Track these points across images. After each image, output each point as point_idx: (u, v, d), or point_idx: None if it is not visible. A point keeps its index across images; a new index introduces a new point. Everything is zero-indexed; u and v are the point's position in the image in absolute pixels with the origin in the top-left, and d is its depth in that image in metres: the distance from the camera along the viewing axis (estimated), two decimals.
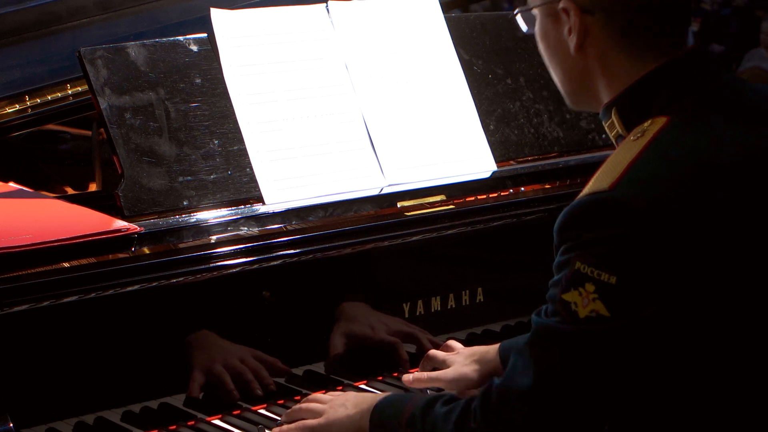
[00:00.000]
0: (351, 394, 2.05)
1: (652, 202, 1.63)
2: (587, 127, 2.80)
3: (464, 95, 2.61)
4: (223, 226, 2.22)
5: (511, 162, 2.66)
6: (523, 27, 1.94)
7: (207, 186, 2.27)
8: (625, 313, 1.64)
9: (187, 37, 2.39)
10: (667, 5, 1.77)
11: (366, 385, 2.30)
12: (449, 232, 2.42)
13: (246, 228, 2.23)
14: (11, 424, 1.90)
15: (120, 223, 2.09)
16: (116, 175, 2.25)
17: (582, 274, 1.65)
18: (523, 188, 2.58)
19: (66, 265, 2.00)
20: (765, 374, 1.70)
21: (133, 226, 2.09)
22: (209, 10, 2.41)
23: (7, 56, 2.82)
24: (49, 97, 2.72)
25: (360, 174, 2.43)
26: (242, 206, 2.28)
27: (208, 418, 2.14)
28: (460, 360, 2.22)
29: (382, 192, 2.43)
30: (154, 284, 2.07)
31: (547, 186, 2.60)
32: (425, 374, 2.21)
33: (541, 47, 1.89)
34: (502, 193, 2.54)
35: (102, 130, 2.46)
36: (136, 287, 2.05)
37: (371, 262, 2.35)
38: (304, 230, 2.27)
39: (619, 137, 1.80)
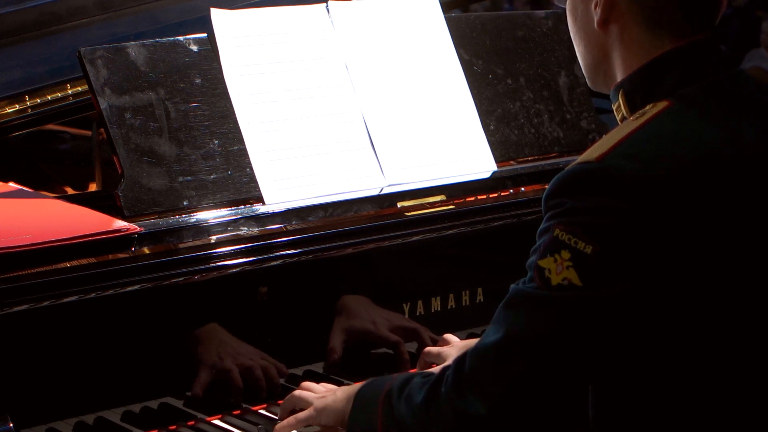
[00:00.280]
0: (343, 386, 2.05)
1: (639, 176, 1.63)
2: (587, 127, 2.80)
3: (464, 95, 2.61)
4: (223, 226, 2.22)
5: (512, 162, 2.65)
6: (557, 1, 1.95)
7: (207, 186, 2.27)
8: (597, 285, 1.63)
9: (187, 37, 2.39)
10: None
11: None
12: (449, 232, 2.42)
13: (246, 228, 2.23)
14: (11, 424, 1.90)
15: (120, 223, 2.09)
16: (116, 175, 2.25)
17: (560, 241, 1.65)
18: (523, 188, 2.58)
19: (66, 265, 2.00)
20: (742, 362, 1.70)
21: (133, 226, 2.09)
22: (209, 10, 2.41)
23: (7, 56, 2.82)
24: (49, 97, 2.72)
25: (360, 174, 2.43)
26: (242, 206, 2.28)
27: (208, 418, 2.14)
28: (453, 353, 2.22)
29: (382, 192, 2.43)
30: (154, 284, 2.07)
31: (547, 186, 2.60)
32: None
33: (570, 21, 1.89)
34: (502, 193, 2.54)
35: (102, 130, 2.46)
36: (136, 287, 2.05)
37: (371, 263, 2.34)
38: (304, 230, 2.27)
39: (624, 120, 1.81)
